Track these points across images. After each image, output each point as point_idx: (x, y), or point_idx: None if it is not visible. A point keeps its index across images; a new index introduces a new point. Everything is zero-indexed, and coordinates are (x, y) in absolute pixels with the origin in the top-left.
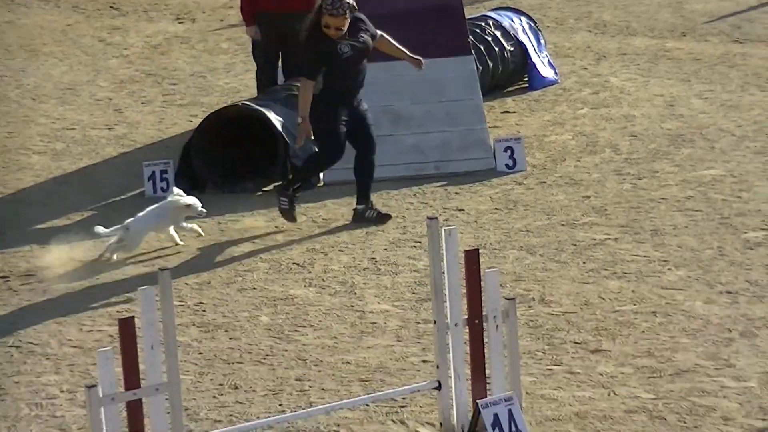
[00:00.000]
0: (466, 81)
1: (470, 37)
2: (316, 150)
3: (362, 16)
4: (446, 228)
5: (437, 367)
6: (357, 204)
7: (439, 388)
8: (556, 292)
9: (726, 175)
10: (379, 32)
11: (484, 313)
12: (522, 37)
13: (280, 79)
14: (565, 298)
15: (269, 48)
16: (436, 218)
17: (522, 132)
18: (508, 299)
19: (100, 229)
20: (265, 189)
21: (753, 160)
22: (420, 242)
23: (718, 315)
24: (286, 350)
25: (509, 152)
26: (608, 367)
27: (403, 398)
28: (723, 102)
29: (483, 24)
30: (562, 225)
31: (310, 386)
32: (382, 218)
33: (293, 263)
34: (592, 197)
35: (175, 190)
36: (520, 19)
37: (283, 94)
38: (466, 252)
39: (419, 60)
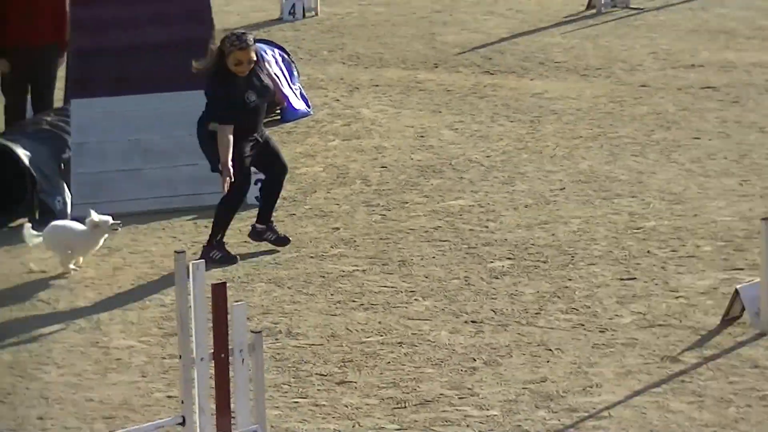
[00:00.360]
0: None
1: None
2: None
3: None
4: (194, 262)
5: (182, 402)
6: (258, 223)
7: (183, 423)
8: (303, 325)
9: (474, 205)
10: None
11: (230, 347)
12: (275, 70)
13: (30, 113)
14: (312, 330)
15: (18, 81)
16: (184, 252)
17: None
18: (255, 332)
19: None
20: (11, 225)
21: (500, 190)
22: (168, 277)
23: (462, 344)
24: (28, 388)
25: (260, 184)
26: (353, 398)
27: None
28: (473, 132)
29: None
30: (311, 257)
31: (52, 425)
32: (281, 241)
33: (38, 300)
34: (341, 229)
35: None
36: (274, 51)
37: (32, 129)
38: (214, 286)
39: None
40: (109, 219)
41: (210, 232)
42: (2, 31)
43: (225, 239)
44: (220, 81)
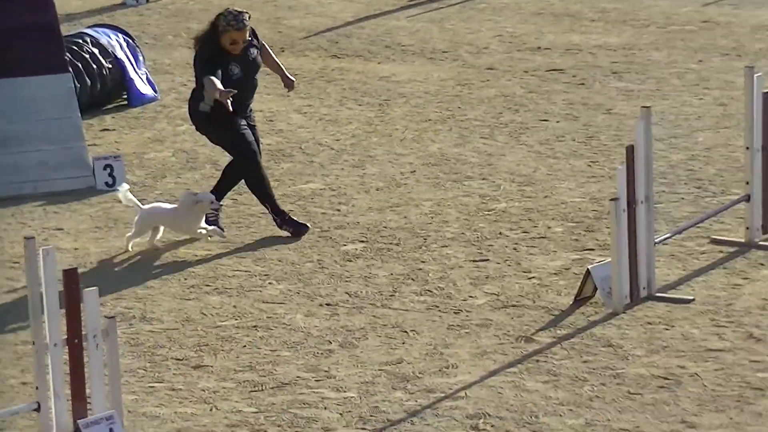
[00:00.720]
0: (64, 99)
1: (67, 54)
2: (233, 161)
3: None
4: (44, 248)
5: (36, 388)
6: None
7: (38, 409)
8: (157, 309)
9: (325, 189)
10: (262, 42)
11: (84, 333)
12: (120, 54)
13: None
14: (167, 314)
15: None
16: (33, 238)
17: (121, 150)
18: (108, 318)
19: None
20: None
21: (351, 173)
22: (18, 263)
23: (318, 327)
24: None
25: (108, 170)
26: (210, 382)
27: (3, 421)
28: (322, 116)
29: (80, 41)
30: (163, 242)
31: None
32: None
33: None
34: None
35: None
36: (118, 36)
37: None
38: (65, 272)
39: (292, 81)
40: (211, 196)
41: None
42: None
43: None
44: (206, 55)
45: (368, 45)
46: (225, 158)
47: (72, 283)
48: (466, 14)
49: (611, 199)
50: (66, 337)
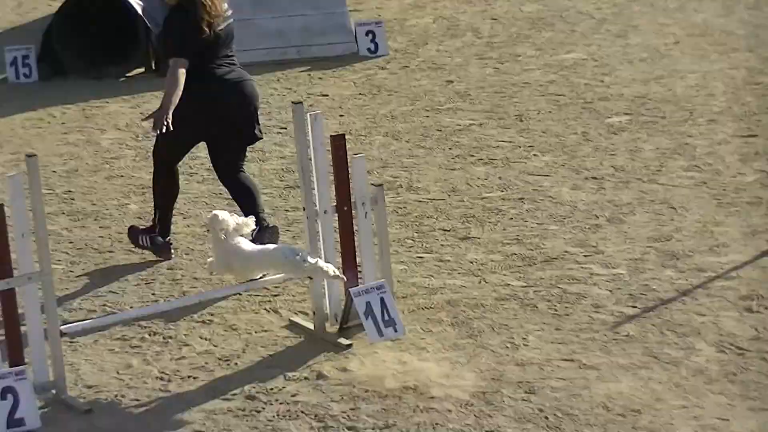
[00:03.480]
0: None
1: None
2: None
3: None
4: (311, 113)
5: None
6: None
7: (310, 276)
8: (423, 179)
9: (587, 59)
10: None
11: (352, 200)
12: None
13: None
14: (433, 184)
15: None
16: (301, 103)
17: (383, 15)
18: (376, 186)
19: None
20: (128, 74)
21: (614, 43)
22: (286, 128)
23: (584, 201)
24: None
25: (371, 36)
26: (478, 254)
27: (276, 287)
28: None
29: None
30: (427, 110)
31: (182, 275)
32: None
33: None
34: (455, 82)
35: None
36: None
37: None
38: (332, 137)
39: None
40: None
41: None
42: None
43: None
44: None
45: None
46: (485, 25)
47: (340, 149)
48: None
49: None
50: (335, 204)
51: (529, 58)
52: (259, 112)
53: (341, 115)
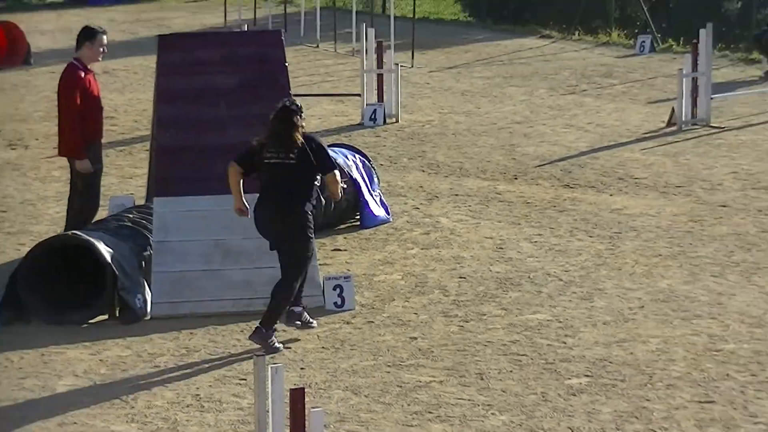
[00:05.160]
0: None
1: None
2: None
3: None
4: (273, 366)
5: None
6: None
7: None
8: None
9: (552, 320)
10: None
11: None
12: (356, 175)
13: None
14: None
15: (97, 178)
16: (263, 355)
17: (352, 270)
18: None
19: None
20: (90, 321)
21: (579, 305)
22: (245, 379)
23: None
24: None
25: (338, 290)
26: None
27: None
28: (551, 246)
29: None
30: (389, 366)
31: None
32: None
33: (116, 398)
34: (419, 338)
35: None
36: (355, 157)
37: (114, 225)
38: (292, 391)
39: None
40: None
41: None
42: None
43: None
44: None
45: (601, 176)
46: (453, 283)
47: (298, 402)
48: (701, 149)
49: None
50: None
51: (494, 317)
52: None
53: (302, 368)
